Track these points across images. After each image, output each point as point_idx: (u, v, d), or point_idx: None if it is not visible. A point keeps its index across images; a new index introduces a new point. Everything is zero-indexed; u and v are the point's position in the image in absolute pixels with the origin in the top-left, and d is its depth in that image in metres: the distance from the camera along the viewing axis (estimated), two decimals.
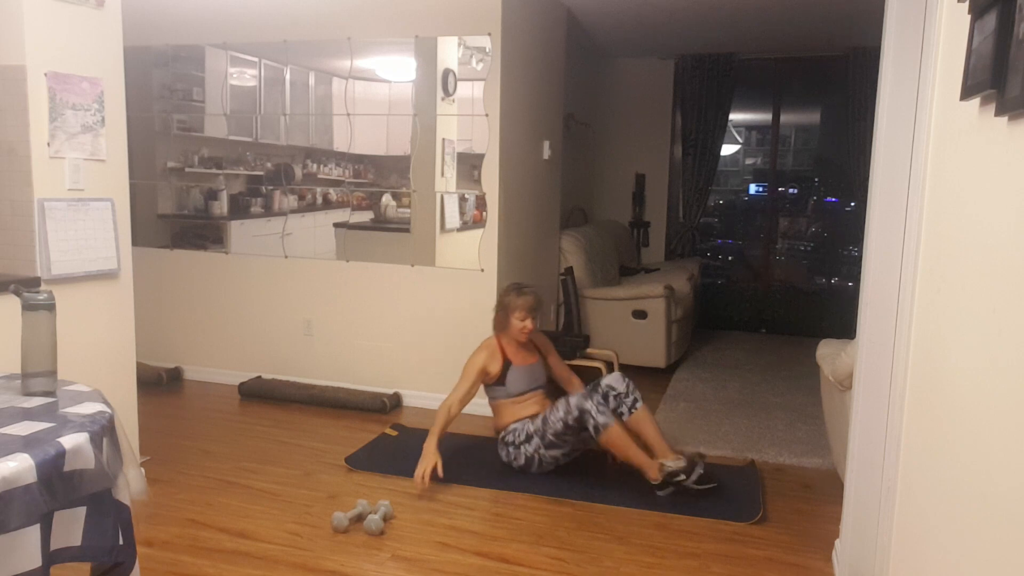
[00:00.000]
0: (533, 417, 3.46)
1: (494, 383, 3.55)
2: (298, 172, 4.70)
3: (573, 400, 3.28)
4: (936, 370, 1.77)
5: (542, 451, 3.36)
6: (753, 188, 7.73)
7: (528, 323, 3.53)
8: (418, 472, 3.21)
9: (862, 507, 2.42)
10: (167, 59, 4.82)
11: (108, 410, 1.79)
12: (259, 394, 4.56)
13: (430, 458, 3.26)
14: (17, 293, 1.93)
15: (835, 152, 7.16)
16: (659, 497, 3.17)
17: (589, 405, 3.23)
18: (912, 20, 2.17)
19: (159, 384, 4.75)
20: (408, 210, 4.48)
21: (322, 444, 3.82)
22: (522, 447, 3.41)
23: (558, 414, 3.31)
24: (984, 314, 1.41)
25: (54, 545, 1.53)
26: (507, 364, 3.54)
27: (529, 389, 3.56)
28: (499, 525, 2.99)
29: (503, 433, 3.51)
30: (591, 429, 3.22)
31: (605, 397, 3.39)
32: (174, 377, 4.89)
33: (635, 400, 3.43)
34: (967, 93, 1.52)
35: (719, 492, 3.23)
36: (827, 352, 3.16)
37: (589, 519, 3.04)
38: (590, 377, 4.45)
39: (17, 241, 2.82)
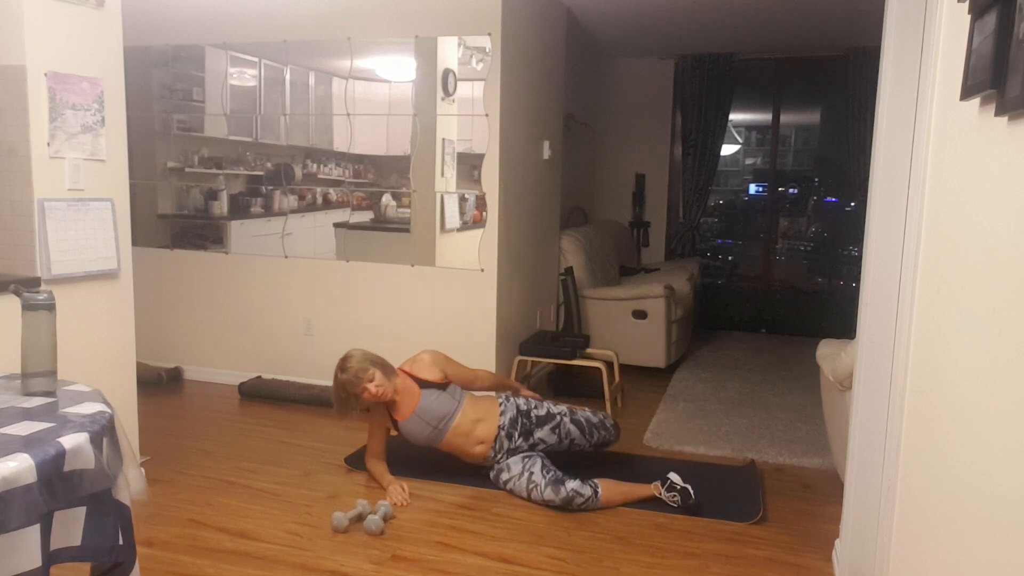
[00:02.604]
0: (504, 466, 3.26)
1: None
2: (298, 172, 4.70)
3: (547, 494, 3.08)
4: (936, 370, 1.77)
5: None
6: (753, 188, 7.73)
7: (371, 386, 3.18)
8: (397, 500, 3.12)
9: (862, 507, 2.42)
10: (167, 59, 4.82)
11: (108, 410, 1.79)
12: (259, 394, 4.56)
13: (395, 482, 3.21)
14: (17, 293, 1.93)
15: (835, 152, 7.16)
16: (666, 500, 3.13)
17: (566, 492, 3.06)
18: (912, 20, 2.17)
19: (159, 384, 4.75)
20: (408, 210, 4.48)
21: (322, 444, 3.82)
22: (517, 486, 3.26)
23: (539, 498, 3.12)
24: (984, 314, 1.41)
25: (54, 545, 1.53)
26: (395, 423, 3.32)
27: (435, 432, 3.26)
28: (499, 525, 2.98)
29: (488, 469, 3.35)
30: (582, 507, 3.09)
31: (570, 502, 3.08)
32: (174, 377, 4.88)
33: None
34: (967, 93, 1.52)
35: (719, 492, 3.23)
36: (827, 352, 3.16)
37: (589, 519, 3.04)
38: (590, 377, 4.46)
39: (17, 241, 2.82)
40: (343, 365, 3.27)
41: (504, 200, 4.30)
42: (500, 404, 3.35)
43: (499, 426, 3.28)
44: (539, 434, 3.30)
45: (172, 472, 3.41)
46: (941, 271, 1.78)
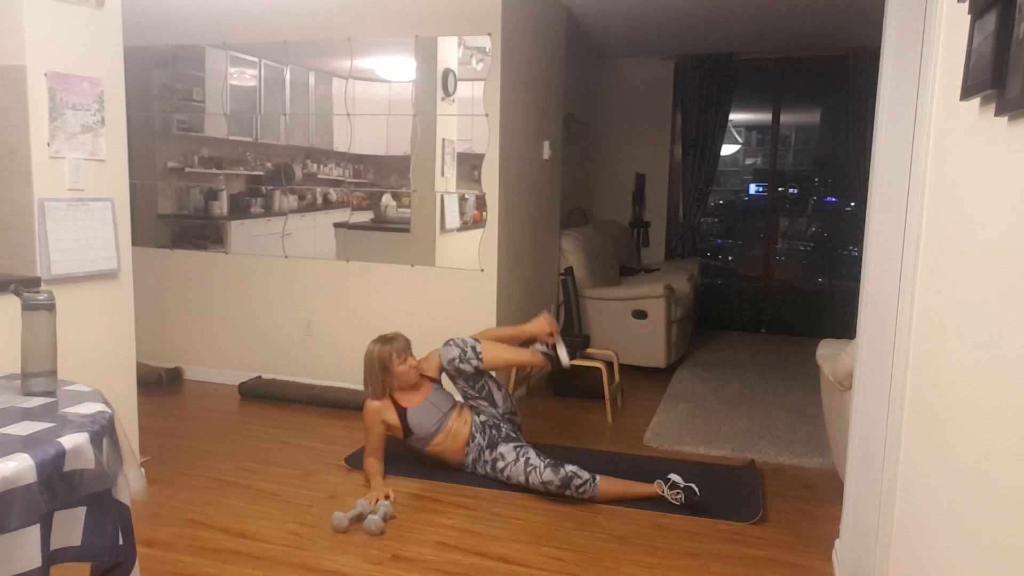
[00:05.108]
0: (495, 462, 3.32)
1: (405, 437, 3.41)
2: (298, 172, 4.70)
3: (545, 475, 3.14)
4: (936, 370, 1.77)
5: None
6: (753, 188, 7.73)
7: (411, 360, 3.39)
8: (369, 499, 3.07)
9: (862, 507, 2.42)
10: (167, 59, 4.82)
11: (108, 410, 1.79)
12: (259, 394, 4.56)
13: (381, 490, 3.15)
14: (17, 293, 1.93)
15: (835, 152, 7.16)
16: (669, 500, 3.13)
17: (565, 472, 3.12)
18: (912, 20, 2.18)
19: (159, 384, 4.75)
20: (408, 210, 4.48)
21: (322, 444, 3.82)
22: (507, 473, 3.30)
23: (537, 480, 3.16)
24: (984, 314, 1.41)
25: (54, 545, 1.53)
26: (402, 412, 3.37)
27: (441, 421, 3.38)
28: (499, 525, 2.99)
29: (467, 466, 3.41)
30: (580, 491, 3.12)
31: (567, 483, 3.14)
32: (174, 377, 4.88)
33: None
34: (967, 93, 1.52)
35: (719, 492, 3.23)
36: (827, 352, 3.16)
37: (589, 519, 3.04)
38: (590, 377, 4.46)
39: (17, 241, 2.82)
40: (385, 339, 3.43)
41: (504, 200, 4.30)
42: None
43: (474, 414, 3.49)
44: (482, 405, 3.48)
45: (172, 472, 3.41)
46: (941, 271, 1.78)
